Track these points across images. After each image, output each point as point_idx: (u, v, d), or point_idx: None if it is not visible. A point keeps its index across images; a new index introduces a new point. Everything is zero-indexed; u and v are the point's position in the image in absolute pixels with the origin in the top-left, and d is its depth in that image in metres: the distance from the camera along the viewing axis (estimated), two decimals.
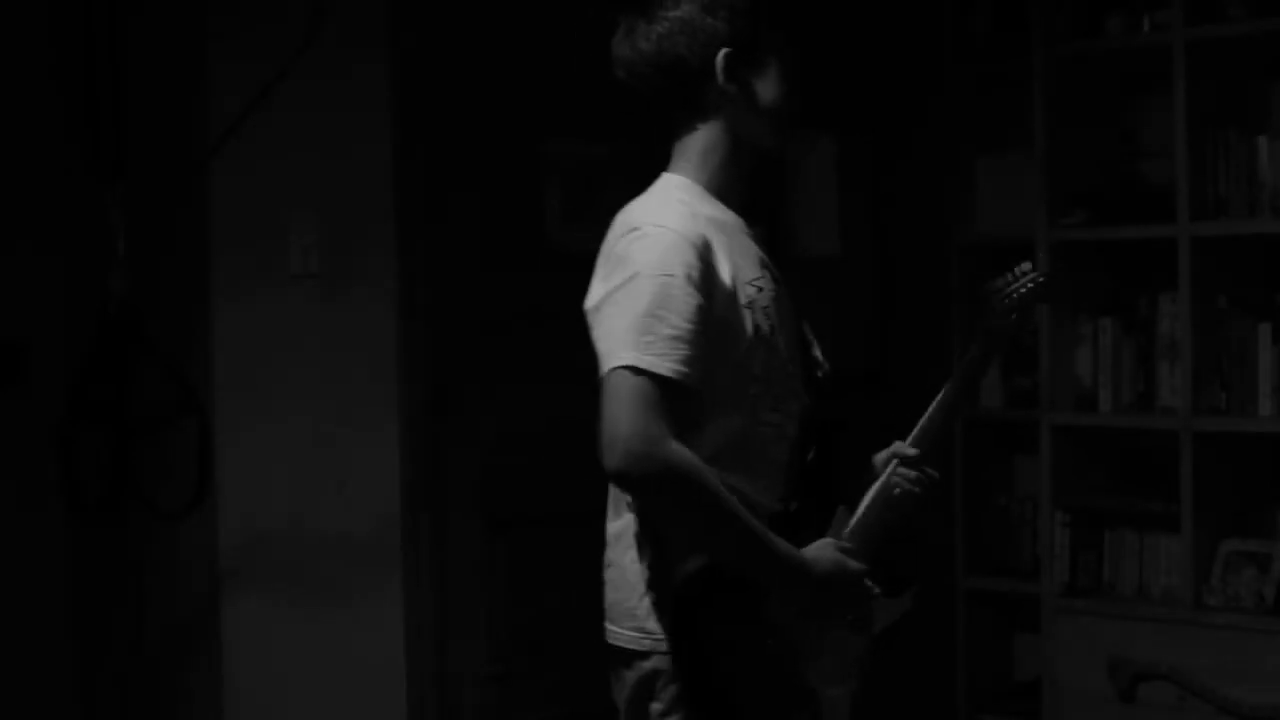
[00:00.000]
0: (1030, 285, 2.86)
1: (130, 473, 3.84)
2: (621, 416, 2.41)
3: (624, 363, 2.43)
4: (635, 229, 2.54)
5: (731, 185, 2.65)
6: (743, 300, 2.56)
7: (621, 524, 2.62)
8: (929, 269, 4.95)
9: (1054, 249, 4.55)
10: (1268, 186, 4.28)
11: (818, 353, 2.74)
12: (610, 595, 2.64)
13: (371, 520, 4.11)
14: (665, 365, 2.43)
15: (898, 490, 2.69)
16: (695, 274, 2.48)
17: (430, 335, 4.17)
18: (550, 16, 4.26)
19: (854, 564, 2.59)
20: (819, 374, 2.72)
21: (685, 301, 2.46)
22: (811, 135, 4.82)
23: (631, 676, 2.60)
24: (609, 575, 2.64)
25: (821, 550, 2.57)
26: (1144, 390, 4.53)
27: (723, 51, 2.59)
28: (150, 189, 3.98)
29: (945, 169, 4.92)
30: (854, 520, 2.67)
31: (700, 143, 2.64)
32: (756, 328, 2.57)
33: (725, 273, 2.54)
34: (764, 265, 2.64)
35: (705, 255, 2.52)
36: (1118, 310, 4.59)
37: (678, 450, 2.41)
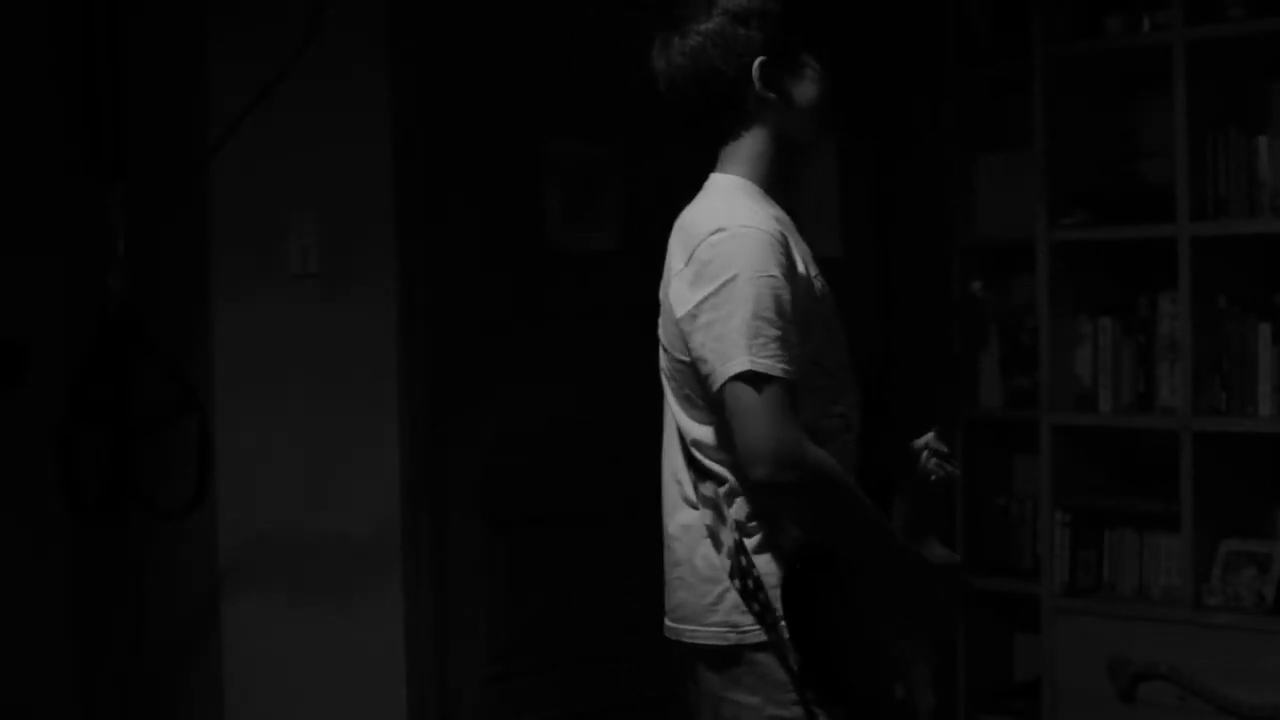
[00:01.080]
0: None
1: (130, 473, 3.83)
2: (760, 426, 2.46)
3: (743, 368, 2.46)
4: (720, 229, 2.54)
5: (782, 185, 2.69)
6: (816, 294, 2.61)
7: (685, 520, 2.63)
8: (929, 269, 4.95)
9: (1054, 249, 4.55)
10: (1268, 186, 4.28)
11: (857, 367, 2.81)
12: (680, 595, 2.64)
13: (371, 520, 4.11)
14: (779, 367, 2.47)
15: (933, 478, 2.82)
16: (785, 272, 2.52)
17: (430, 335, 4.17)
18: (550, 17, 4.26)
19: (956, 556, 2.71)
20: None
21: (785, 301, 2.50)
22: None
23: (717, 674, 2.60)
24: (678, 574, 2.64)
25: (933, 548, 2.67)
26: (1144, 390, 4.53)
27: (758, 60, 2.62)
28: (150, 189, 3.98)
29: (945, 169, 4.92)
30: (908, 510, 2.72)
31: (748, 147, 2.67)
32: (825, 320, 2.62)
33: (802, 269, 2.59)
34: (815, 261, 2.68)
35: (788, 251, 2.56)
36: (1118, 310, 4.59)
37: (817, 452, 2.48)
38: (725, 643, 2.58)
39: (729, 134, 2.67)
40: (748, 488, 2.54)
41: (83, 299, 3.91)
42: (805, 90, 2.67)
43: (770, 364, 2.46)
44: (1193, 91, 4.30)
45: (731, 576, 2.55)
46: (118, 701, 4.16)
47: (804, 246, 2.66)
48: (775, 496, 2.50)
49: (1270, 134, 4.32)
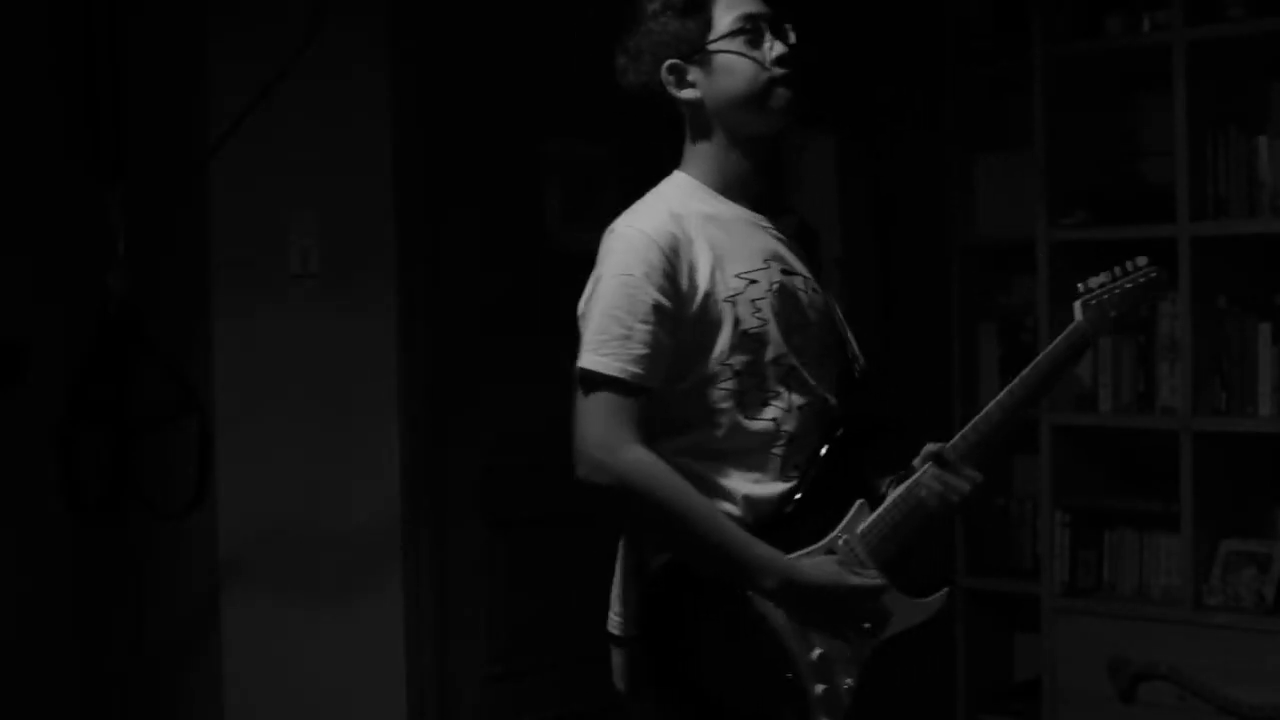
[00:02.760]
0: (1144, 279, 2.74)
1: (130, 473, 3.83)
2: (582, 425, 2.48)
3: (580, 365, 2.49)
4: (611, 230, 2.58)
5: (738, 178, 2.65)
6: (723, 295, 2.56)
7: None
8: (929, 269, 4.95)
9: (1054, 249, 4.55)
10: (1268, 186, 4.28)
11: (855, 348, 2.72)
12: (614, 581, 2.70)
13: (371, 520, 4.11)
14: (615, 365, 2.47)
15: (924, 492, 2.60)
16: (656, 272, 2.51)
17: (430, 335, 4.16)
18: (550, 16, 4.26)
19: (855, 580, 2.54)
20: (855, 369, 2.71)
21: (640, 300, 2.49)
22: (812, 135, 4.82)
23: (616, 658, 2.67)
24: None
25: (817, 565, 2.54)
26: (1144, 390, 4.53)
27: (665, 64, 2.61)
28: (150, 189, 3.98)
29: (945, 169, 4.92)
30: (872, 518, 2.62)
31: (699, 146, 2.66)
32: (738, 322, 2.57)
33: (703, 269, 2.55)
34: (773, 258, 2.63)
35: (672, 253, 2.53)
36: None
37: (634, 459, 2.46)
38: (620, 632, 2.65)
39: (686, 133, 2.67)
40: None
41: (83, 299, 3.91)
42: (730, 80, 2.60)
43: (605, 362, 2.47)
44: (1193, 91, 4.30)
45: (625, 575, 2.64)
46: (118, 701, 4.16)
47: (759, 244, 2.61)
48: (593, 497, 2.50)
49: (1270, 134, 4.32)
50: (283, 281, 4.11)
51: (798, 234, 2.72)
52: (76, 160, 3.94)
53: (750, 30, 2.60)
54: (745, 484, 2.57)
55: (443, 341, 4.19)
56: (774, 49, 2.60)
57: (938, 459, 2.60)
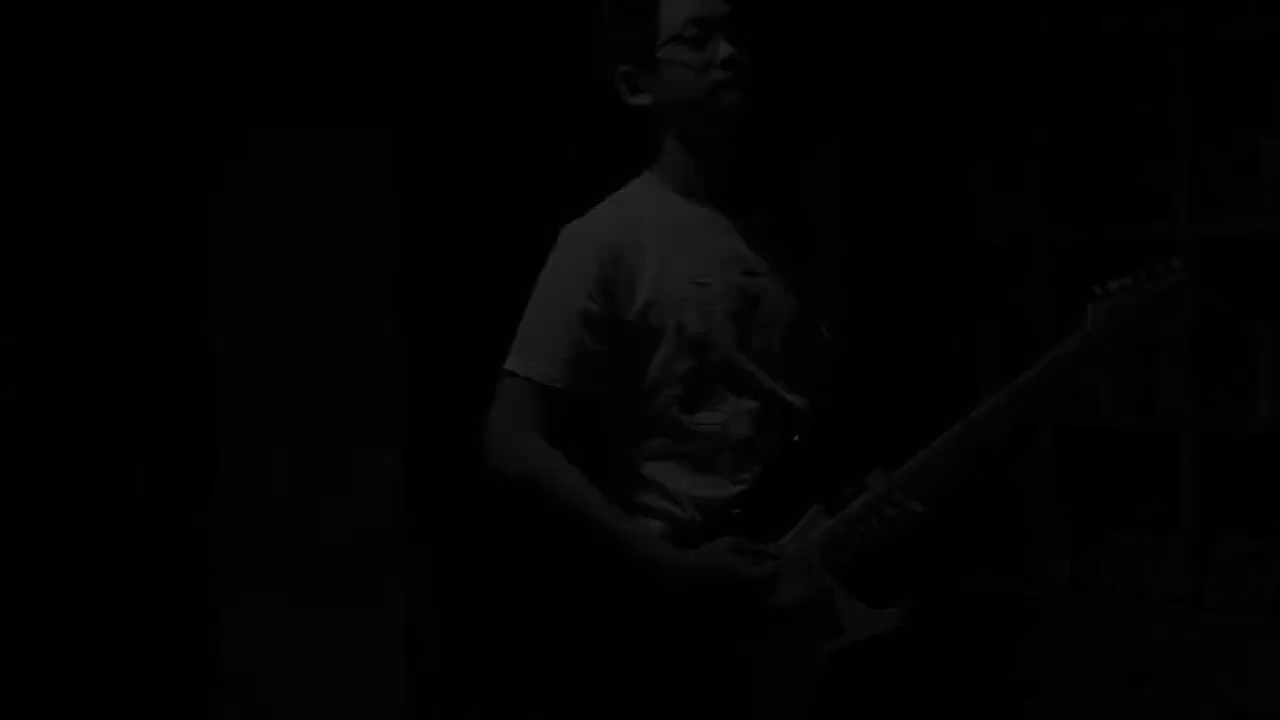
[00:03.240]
0: (1173, 281, 2.70)
1: (131, 471, 3.84)
2: (491, 415, 2.61)
3: (506, 364, 2.58)
4: (561, 230, 2.62)
5: (700, 180, 2.64)
6: (668, 301, 2.56)
7: None
8: (929, 269, 4.94)
9: (1054, 249, 4.55)
10: (1268, 186, 4.28)
11: (825, 349, 2.70)
12: None
13: (371, 520, 4.11)
14: (517, 363, 2.56)
15: (861, 512, 2.58)
16: (589, 279, 2.54)
17: (431, 334, 4.16)
18: (551, 16, 4.25)
19: (751, 570, 2.50)
20: (818, 371, 2.69)
21: (562, 302, 2.54)
22: (811, 136, 4.81)
23: None
24: None
25: (705, 554, 2.51)
26: (1144, 390, 4.53)
27: (618, 70, 2.63)
28: (150, 189, 3.98)
29: (945, 169, 4.92)
30: (826, 526, 2.60)
31: (663, 145, 2.67)
32: (681, 328, 2.57)
33: (647, 275, 2.56)
34: (733, 260, 2.61)
35: (610, 260, 2.55)
36: None
37: (522, 452, 2.55)
38: None
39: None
40: None
41: (83, 299, 3.91)
42: (669, 90, 2.60)
43: (521, 363, 2.56)
44: (1193, 91, 4.30)
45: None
46: (117, 701, 4.16)
47: (718, 246, 2.60)
48: (503, 488, 2.60)
49: (1270, 134, 4.31)
50: (282, 281, 4.11)
51: (784, 225, 2.69)
52: (77, 159, 3.94)
53: (695, 35, 2.58)
54: (697, 487, 2.58)
55: (443, 341, 4.19)
56: (722, 51, 2.57)
57: (874, 492, 2.58)
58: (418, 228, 4.15)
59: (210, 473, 3.91)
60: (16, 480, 3.98)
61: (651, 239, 2.58)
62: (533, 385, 2.56)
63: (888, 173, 5.01)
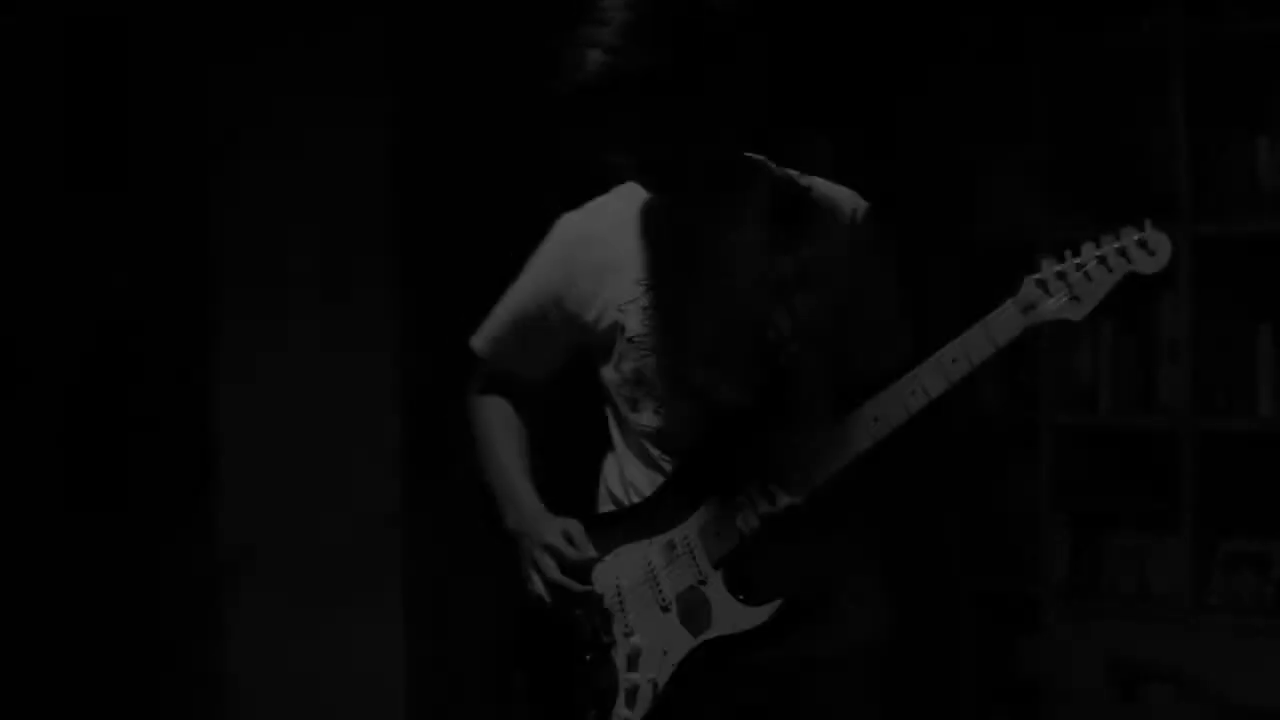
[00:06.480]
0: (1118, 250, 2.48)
1: (130, 473, 3.84)
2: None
3: None
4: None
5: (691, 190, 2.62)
6: (618, 302, 2.61)
7: None
8: (929, 269, 4.94)
9: (1054, 249, 4.54)
10: (1268, 186, 4.28)
11: (792, 339, 2.59)
12: None
13: (371, 520, 4.11)
14: (479, 335, 2.82)
15: (740, 504, 2.55)
16: (557, 266, 2.68)
17: (430, 335, 4.16)
18: (551, 16, 4.25)
19: (547, 538, 2.74)
20: (771, 378, 2.60)
21: (519, 288, 2.75)
22: (808, 136, 4.81)
23: None
24: None
25: (536, 516, 2.82)
26: (1144, 390, 4.53)
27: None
28: (150, 190, 3.99)
29: (945, 169, 4.92)
30: (709, 517, 2.58)
31: None
32: (623, 329, 2.61)
33: (609, 274, 2.62)
34: (693, 262, 2.58)
35: (583, 250, 2.66)
36: (1118, 310, 4.58)
37: (472, 405, 2.87)
38: None
39: None
40: None
41: (83, 299, 3.91)
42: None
43: (479, 330, 2.83)
44: (1193, 91, 4.30)
45: None
46: (118, 701, 4.16)
47: (688, 246, 2.58)
48: None
49: (1270, 134, 4.32)
50: (282, 281, 4.12)
51: (783, 211, 2.66)
52: (78, 160, 3.95)
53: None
54: (637, 477, 2.68)
55: (443, 341, 4.19)
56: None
57: (751, 485, 2.54)
58: (418, 228, 4.15)
59: (210, 473, 3.90)
60: (16, 480, 3.98)
61: (619, 236, 2.64)
62: (476, 356, 2.80)
63: (887, 173, 5.01)
